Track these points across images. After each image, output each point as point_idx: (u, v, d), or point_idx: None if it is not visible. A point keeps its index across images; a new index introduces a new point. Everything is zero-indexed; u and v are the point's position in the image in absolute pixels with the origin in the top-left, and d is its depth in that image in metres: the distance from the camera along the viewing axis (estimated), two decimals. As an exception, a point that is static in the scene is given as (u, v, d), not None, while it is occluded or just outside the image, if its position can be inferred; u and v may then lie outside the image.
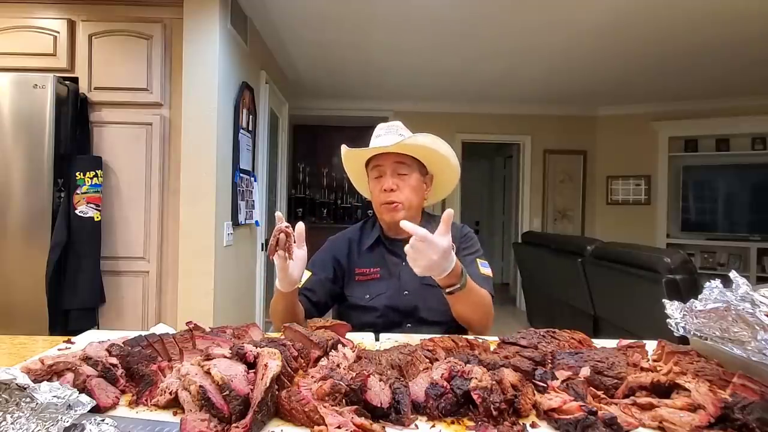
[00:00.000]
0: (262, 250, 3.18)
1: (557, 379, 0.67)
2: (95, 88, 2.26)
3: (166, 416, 0.61)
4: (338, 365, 0.71)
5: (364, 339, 0.98)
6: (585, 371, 0.69)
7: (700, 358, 0.73)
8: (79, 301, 2.13)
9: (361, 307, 1.25)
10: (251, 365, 0.63)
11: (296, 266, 1.04)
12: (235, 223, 2.54)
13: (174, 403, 0.62)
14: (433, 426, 0.59)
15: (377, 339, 1.00)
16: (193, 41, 2.24)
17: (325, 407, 0.57)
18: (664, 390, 0.64)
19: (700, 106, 4.69)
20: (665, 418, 0.58)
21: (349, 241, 1.34)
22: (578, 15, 2.79)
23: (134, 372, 0.69)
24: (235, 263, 2.61)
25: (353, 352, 0.78)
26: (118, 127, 2.27)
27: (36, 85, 2.06)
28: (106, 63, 2.26)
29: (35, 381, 0.55)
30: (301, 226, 1.04)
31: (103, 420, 0.54)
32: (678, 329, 0.78)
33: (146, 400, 0.64)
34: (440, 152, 1.24)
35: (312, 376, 0.65)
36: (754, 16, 2.77)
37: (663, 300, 0.83)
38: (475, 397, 0.60)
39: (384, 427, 0.56)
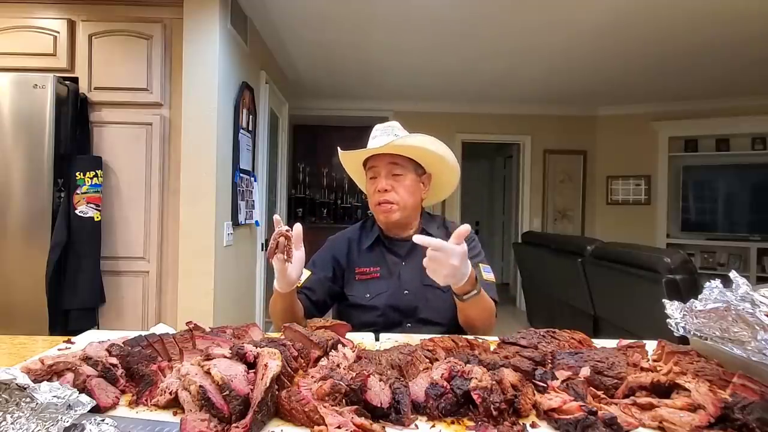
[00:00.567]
0: (262, 250, 3.18)
1: (557, 379, 0.67)
2: (95, 88, 2.26)
3: (166, 416, 0.61)
4: (338, 365, 0.71)
5: (364, 339, 0.98)
6: (585, 371, 0.69)
7: (700, 358, 0.73)
8: (79, 301, 2.13)
9: (361, 306, 1.25)
10: (251, 365, 0.63)
11: (294, 267, 1.05)
12: (235, 223, 2.54)
13: (174, 403, 0.62)
14: (433, 426, 0.59)
15: (377, 339, 1.00)
16: (193, 41, 2.24)
17: (325, 407, 0.57)
18: (664, 390, 0.64)
19: (700, 106, 4.69)
20: (665, 418, 0.58)
21: (348, 240, 1.34)
22: (578, 15, 2.79)
23: (134, 372, 0.69)
24: (235, 263, 2.61)
25: (353, 352, 0.78)
26: (118, 127, 2.27)
27: (36, 85, 2.06)
28: (106, 63, 2.26)
29: (35, 381, 0.55)
30: (298, 227, 1.04)
31: (103, 420, 0.54)
32: (678, 329, 0.78)
33: (146, 400, 0.64)
34: (433, 150, 1.24)
35: (312, 376, 0.65)
36: (754, 16, 2.77)
37: (663, 300, 0.83)
38: (475, 397, 0.60)
39: (384, 427, 0.56)
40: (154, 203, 2.29)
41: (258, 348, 0.65)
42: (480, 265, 1.24)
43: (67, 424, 0.52)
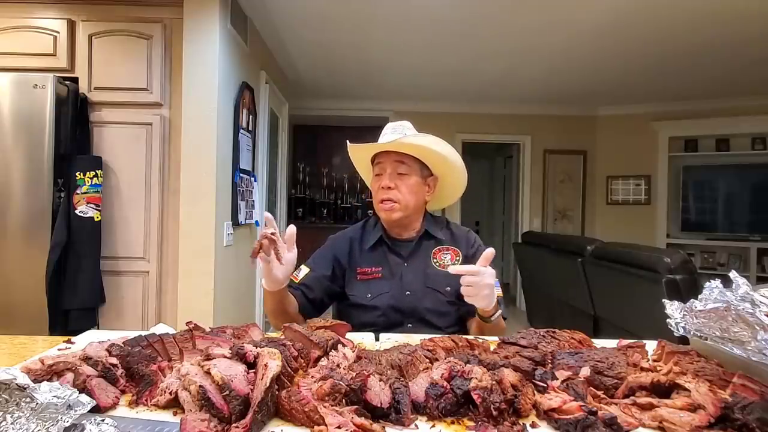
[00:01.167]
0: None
1: (557, 379, 0.67)
2: (95, 88, 2.26)
3: (166, 416, 0.61)
4: (338, 365, 0.71)
5: (364, 339, 0.98)
6: (585, 371, 0.69)
7: (700, 358, 0.73)
8: (79, 301, 2.13)
9: (362, 306, 1.25)
10: (251, 365, 0.63)
11: (282, 268, 1.04)
12: (235, 223, 2.54)
13: (174, 403, 0.62)
14: (433, 426, 0.59)
15: (377, 339, 1.00)
16: (193, 41, 2.24)
17: (325, 407, 0.57)
18: (664, 390, 0.64)
19: (700, 106, 4.69)
20: (665, 418, 0.58)
21: (350, 240, 1.33)
22: (578, 15, 2.79)
23: (134, 372, 0.69)
24: (235, 263, 2.61)
25: (353, 352, 0.78)
26: (118, 127, 2.27)
27: (36, 85, 2.06)
28: (106, 63, 2.26)
29: (35, 381, 0.55)
30: (292, 228, 1.04)
31: (103, 420, 0.54)
32: (678, 329, 0.78)
33: (146, 400, 0.64)
34: (438, 151, 1.24)
35: (312, 376, 0.65)
36: (754, 16, 2.77)
37: (663, 300, 0.83)
38: (475, 397, 0.60)
39: (384, 427, 0.56)
40: (154, 203, 2.29)
41: (258, 348, 0.65)
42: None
43: (67, 424, 0.52)
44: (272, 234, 0.99)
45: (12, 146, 2.07)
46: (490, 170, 7.08)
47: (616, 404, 0.63)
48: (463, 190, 1.36)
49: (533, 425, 0.59)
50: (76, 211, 2.11)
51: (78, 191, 2.12)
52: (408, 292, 1.24)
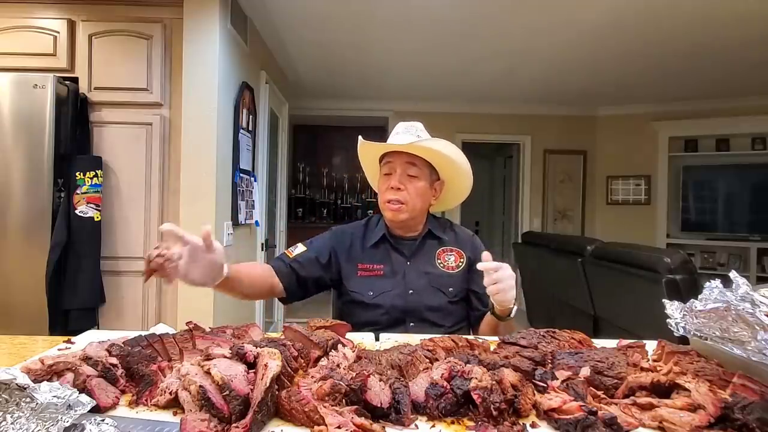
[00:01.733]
0: (262, 250, 3.18)
1: (557, 379, 0.67)
2: (95, 88, 2.26)
3: (166, 416, 0.61)
4: (338, 365, 0.71)
5: (364, 339, 0.98)
6: (585, 371, 0.69)
7: (700, 358, 0.73)
8: (79, 301, 2.12)
9: (364, 304, 1.25)
10: (251, 365, 0.63)
11: (199, 269, 0.95)
12: (235, 223, 2.54)
13: (174, 403, 0.62)
14: (433, 426, 0.59)
15: (377, 339, 1.00)
16: (193, 41, 2.24)
17: (325, 407, 0.57)
18: (664, 390, 0.64)
19: (700, 106, 4.69)
20: (665, 418, 0.58)
21: (352, 235, 1.34)
22: (579, 15, 2.79)
23: (134, 372, 0.69)
24: (235, 263, 2.61)
25: (353, 352, 0.78)
26: (118, 127, 2.27)
27: (36, 85, 2.06)
28: (106, 63, 2.26)
29: (35, 381, 0.55)
30: (204, 230, 0.94)
31: (103, 420, 0.54)
32: (678, 329, 0.78)
33: (146, 400, 0.64)
34: (453, 159, 1.25)
35: (312, 376, 0.65)
36: (754, 18, 2.77)
37: (663, 300, 0.83)
38: (475, 397, 0.60)
39: (384, 427, 0.56)
40: (154, 203, 2.29)
41: (258, 348, 0.65)
42: None
43: (67, 424, 0.52)
44: (158, 254, 0.89)
45: (12, 146, 2.07)
46: (490, 170, 7.08)
47: (616, 404, 0.63)
48: (467, 195, 1.37)
49: (533, 425, 0.59)
50: (76, 211, 2.11)
51: (78, 191, 2.12)
52: (411, 291, 1.24)
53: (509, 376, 0.63)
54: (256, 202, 2.94)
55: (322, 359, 0.75)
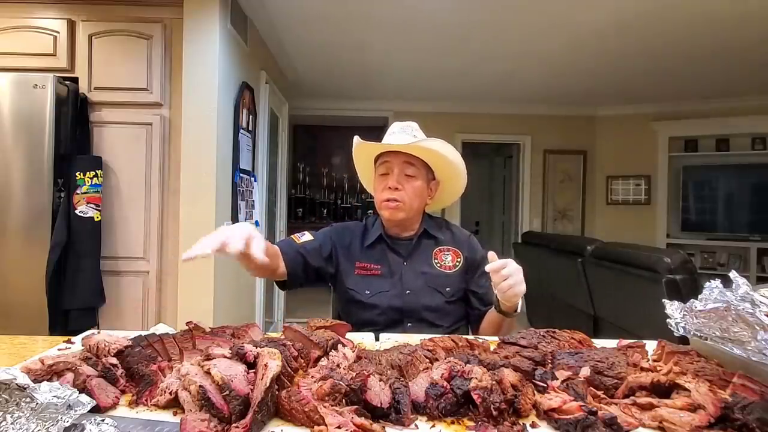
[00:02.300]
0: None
1: (557, 379, 0.67)
2: (95, 88, 2.26)
3: (166, 416, 0.61)
4: (338, 365, 0.71)
5: (364, 339, 0.98)
6: (585, 371, 0.69)
7: (700, 358, 0.73)
8: (79, 301, 2.13)
9: (362, 303, 1.25)
10: (251, 365, 0.63)
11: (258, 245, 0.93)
12: (236, 223, 2.54)
13: (174, 403, 0.62)
14: (433, 426, 0.59)
15: (377, 339, 1.00)
16: (193, 41, 2.24)
17: (325, 407, 0.57)
18: (664, 390, 0.64)
19: (700, 106, 4.69)
20: (665, 418, 0.58)
21: (351, 233, 1.34)
22: (579, 17, 2.79)
23: (134, 372, 0.69)
24: (235, 263, 2.61)
25: (353, 352, 0.78)
26: (118, 127, 2.27)
27: (36, 85, 2.06)
28: (106, 63, 2.26)
29: (35, 381, 0.55)
30: (236, 249, 0.89)
31: (103, 420, 0.54)
32: (678, 329, 0.78)
33: (146, 400, 0.64)
34: (449, 159, 1.25)
35: (312, 376, 0.65)
36: (754, 19, 2.77)
37: (663, 300, 0.83)
38: (475, 397, 0.60)
39: (384, 427, 0.56)
40: (154, 203, 2.29)
41: (258, 348, 0.65)
42: None
43: (67, 424, 0.52)
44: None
45: (12, 146, 2.07)
46: (490, 170, 7.07)
47: (616, 404, 0.63)
48: (460, 194, 1.38)
49: (533, 425, 0.59)
50: (76, 211, 2.11)
51: (78, 191, 2.12)
52: (408, 291, 1.24)
53: (509, 376, 0.63)
54: (256, 202, 2.94)
55: (322, 359, 0.75)
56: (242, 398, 0.57)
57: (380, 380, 0.62)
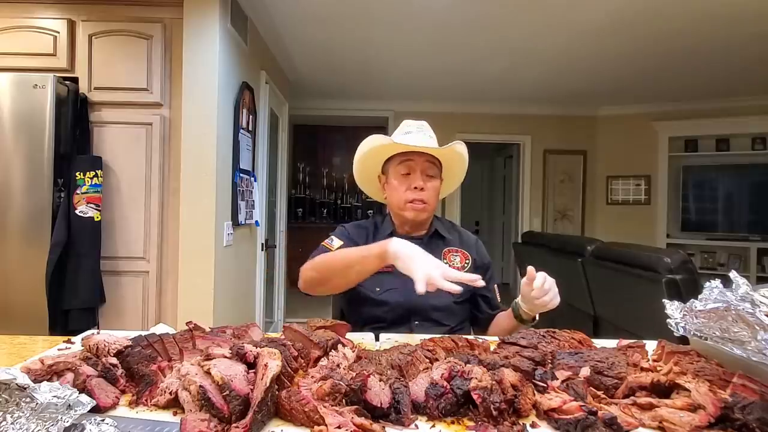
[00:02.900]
0: (262, 250, 3.18)
1: (557, 379, 0.67)
2: (95, 88, 2.25)
3: (166, 416, 0.61)
4: (338, 365, 0.71)
5: (364, 339, 0.98)
6: (585, 371, 0.69)
7: (700, 358, 0.73)
8: (79, 301, 2.12)
9: (371, 299, 1.25)
10: (251, 365, 0.63)
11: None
12: (235, 223, 2.54)
13: (174, 403, 0.62)
14: (433, 426, 0.59)
15: (377, 339, 1.00)
16: (193, 41, 2.24)
17: (325, 407, 0.57)
18: (664, 390, 0.64)
19: (700, 106, 4.69)
20: (665, 418, 0.58)
21: (366, 231, 1.35)
22: (579, 16, 2.79)
23: (134, 372, 0.69)
24: (235, 263, 2.61)
25: (353, 352, 0.78)
26: (118, 127, 2.27)
27: (36, 85, 2.06)
28: (106, 63, 2.26)
29: (35, 381, 0.55)
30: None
31: (103, 420, 0.54)
32: (678, 329, 0.78)
33: (146, 400, 0.64)
34: (466, 164, 1.30)
35: (312, 376, 0.65)
36: (754, 18, 2.77)
37: (663, 300, 0.83)
38: (475, 397, 0.60)
39: (384, 427, 0.56)
40: (154, 203, 2.28)
41: (258, 348, 0.65)
42: (495, 286, 1.33)
43: (67, 424, 0.52)
44: None
45: (12, 146, 2.07)
46: (490, 170, 7.08)
47: (616, 404, 0.63)
48: (447, 193, 1.43)
49: (533, 425, 0.59)
50: (76, 211, 2.11)
51: (78, 191, 2.12)
52: None
53: (509, 376, 0.63)
54: (256, 202, 2.94)
55: (322, 359, 0.75)
56: (242, 398, 0.57)
57: (380, 380, 0.63)
